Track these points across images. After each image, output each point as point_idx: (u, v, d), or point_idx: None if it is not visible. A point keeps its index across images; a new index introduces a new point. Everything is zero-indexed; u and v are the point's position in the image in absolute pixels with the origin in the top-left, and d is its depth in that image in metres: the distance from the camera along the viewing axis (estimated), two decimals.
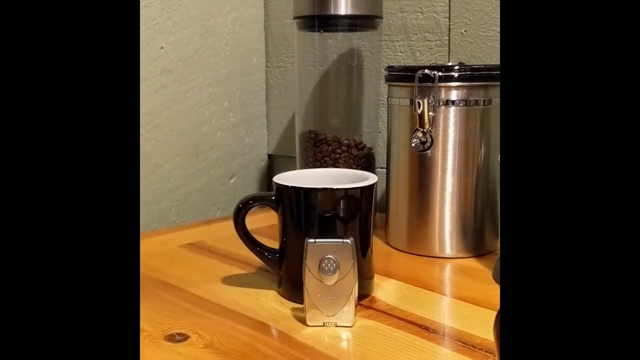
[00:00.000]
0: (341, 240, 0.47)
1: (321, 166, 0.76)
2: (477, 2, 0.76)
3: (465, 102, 0.62)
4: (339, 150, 0.75)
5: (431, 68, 0.62)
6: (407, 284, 0.57)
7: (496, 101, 0.63)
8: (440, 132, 0.63)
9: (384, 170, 0.76)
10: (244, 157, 0.98)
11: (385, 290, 0.55)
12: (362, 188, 0.51)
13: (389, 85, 0.68)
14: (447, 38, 0.79)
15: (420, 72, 0.62)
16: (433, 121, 0.62)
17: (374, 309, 0.51)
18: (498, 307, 0.34)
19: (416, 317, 0.49)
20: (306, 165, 0.77)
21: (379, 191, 0.80)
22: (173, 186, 0.88)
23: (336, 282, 0.47)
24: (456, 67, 0.62)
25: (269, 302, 0.52)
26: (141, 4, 0.82)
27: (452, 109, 0.62)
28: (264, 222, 0.71)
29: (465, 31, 0.77)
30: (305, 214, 0.51)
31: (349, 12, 0.74)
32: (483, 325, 0.47)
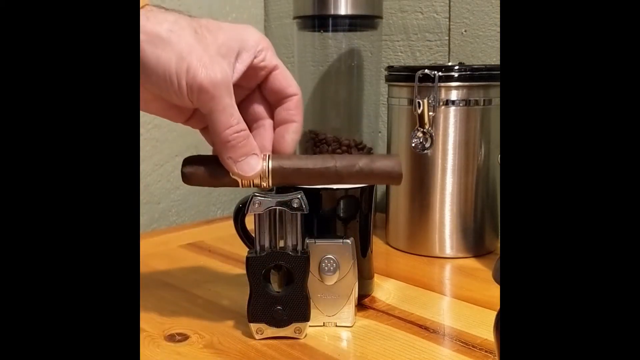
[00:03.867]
0: (341, 240, 0.47)
1: None
2: (477, 2, 0.76)
3: (465, 102, 0.62)
4: (339, 151, 0.75)
5: (431, 68, 0.62)
6: (407, 284, 0.57)
7: (496, 101, 0.63)
8: (440, 132, 0.63)
9: None
10: None
11: (385, 290, 0.55)
12: (362, 188, 0.51)
13: (389, 85, 0.68)
14: (447, 38, 0.79)
15: (420, 72, 0.62)
16: (433, 121, 0.62)
17: (374, 309, 0.51)
18: (498, 307, 0.34)
19: (416, 317, 0.49)
20: None
21: (379, 191, 0.80)
22: (173, 186, 0.88)
23: (336, 282, 0.47)
24: (456, 67, 0.62)
25: None
26: None
27: (452, 109, 0.62)
28: None
29: (465, 31, 0.77)
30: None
31: (349, 12, 0.74)
32: (483, 325, 0.47)
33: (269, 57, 0.44)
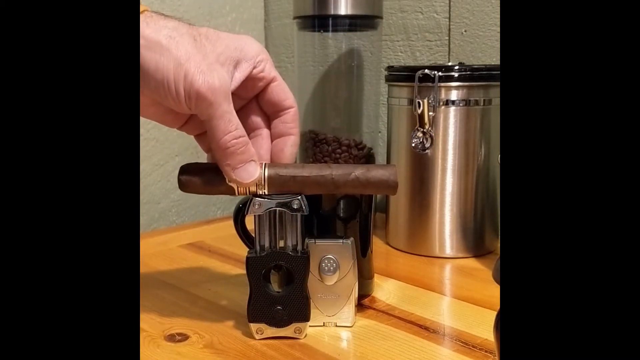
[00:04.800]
0: (341, 240, 0.47)
1: None
2: (477, 2, 0.76)
3: (465, 102, 0.62)
4: (339, 150, 0.75)
5: (431, 68, 0.62)
6: (407, 284, 0.57)
7: (496, 101, 0.63)
8: (440, 132, 0.63)
9: None
10: None
11: (385, 290, 0.55)
12: None
13: (389, 85, 0.68)
14: (447, 38, 0.79)
15: (420, 72, 0.62)
16: (433, 121, 0.62)
17: (374, 309, 0.51)
18: (498, 307, 0.34)
19: (416, 317, 0.49)
20: None
21: None
22: (173, 186, 0.88)
23: (336, 282, 0.47)
24: (456, 67, 0.62)
25: None
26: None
27: (452, 109, 0.62)
28: None
29: (465, 31, 0.77)
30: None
31: (349, 12, 0.74)
32: (483, 325, 0.47)
33: (268, 69, 0.44)
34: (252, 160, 0.43)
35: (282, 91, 0.46)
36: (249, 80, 0.44)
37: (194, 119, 0.46)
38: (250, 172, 0.43)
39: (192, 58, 0.40)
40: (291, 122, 0.46)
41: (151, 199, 0.86)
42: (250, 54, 0.43)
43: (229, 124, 0.41)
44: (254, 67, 0.44)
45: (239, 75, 0.43)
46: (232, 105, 0.41)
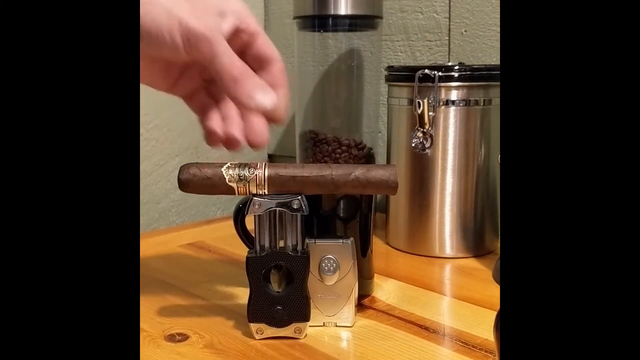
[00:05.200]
0: (341, 240, 0.47)
1: None
2: (477, 2, 0.76)
3: (465, 102, 0.62)
4: (339, 150, 0.75)
5: (431, 68, 0.62)
6: (407, 284, 0.57)
7: (496, 101, 0.63)
8: (440, 132, 0.63)
9: None
10: (244, 157, 0.98)
11: (385, 290, 0.55)
12: None
13: (389, 85, 0.68)
14: (447, 38, 0.79)
15: (420, 72, 0.62)
16: (433, 121, 0.62)
17: (374, 309, 0.51)
18: (498, 307, 0.34)
19: (416, 317, 0.49)
20: None
21: None
22: (173, 186, 0.88)
23: (336, 282, 0.47)
24: (456, 67, 0.62)
25: None
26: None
27: (452, 109, 0.62)
28: None
29: (465, 31, 0.77)
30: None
31: (349, 12, 0.74)
32: (483, 325, 0.47)
33: (253, 24, 0.45)
34: (262, 85, 0.43)
35: (266, 45, 0.46)
36: (235, 33, 0.45)
37: (184, 76, 0.46)
38: (268, 97, 0.43)
39: (183, 7, 0.41)
40: (278, 74, 0.46)
41: (151, 199, 0.86)
42: (232, 7, 0.44)
43: (233, 57, 0.42)
44: (240, 21, 0.44)
45: (226, 26, 0.44)
46: (228, 45, 0.42)
